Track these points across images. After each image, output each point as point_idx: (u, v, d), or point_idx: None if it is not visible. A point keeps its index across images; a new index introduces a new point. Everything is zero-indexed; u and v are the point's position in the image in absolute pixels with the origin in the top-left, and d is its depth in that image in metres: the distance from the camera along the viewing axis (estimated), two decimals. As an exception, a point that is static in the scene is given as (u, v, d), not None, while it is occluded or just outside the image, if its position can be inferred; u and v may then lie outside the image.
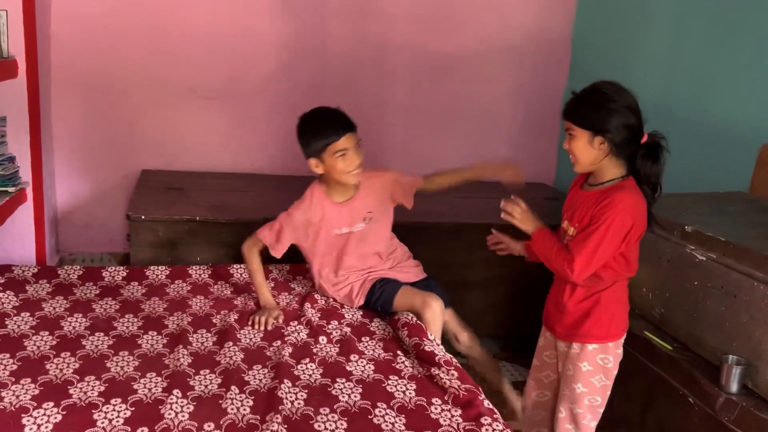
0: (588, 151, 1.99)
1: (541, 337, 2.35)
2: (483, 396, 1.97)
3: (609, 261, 2.03)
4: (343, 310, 2.54)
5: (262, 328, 2.36)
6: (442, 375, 2.04)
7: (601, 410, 2.18)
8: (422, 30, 4.00)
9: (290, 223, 2.52)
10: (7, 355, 2.02)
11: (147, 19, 3.62)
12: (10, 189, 2.82)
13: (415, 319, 2.40)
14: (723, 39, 3.03)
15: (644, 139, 2.01)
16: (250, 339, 2.28)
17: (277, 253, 2.54)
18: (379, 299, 2.51)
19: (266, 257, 2.59)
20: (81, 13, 3.52)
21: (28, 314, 2.29)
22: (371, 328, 2.41)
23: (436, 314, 2.42)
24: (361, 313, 2.53)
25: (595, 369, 2.12)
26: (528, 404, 2.40)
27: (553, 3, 4.14)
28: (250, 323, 2.38)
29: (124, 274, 2.68)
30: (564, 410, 2.19)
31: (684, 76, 3.27)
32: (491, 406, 1.94)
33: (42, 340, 2.14)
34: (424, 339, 2.24)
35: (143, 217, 2.97)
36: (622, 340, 2.15)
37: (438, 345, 2.23)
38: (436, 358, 2.12)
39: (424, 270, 2.80)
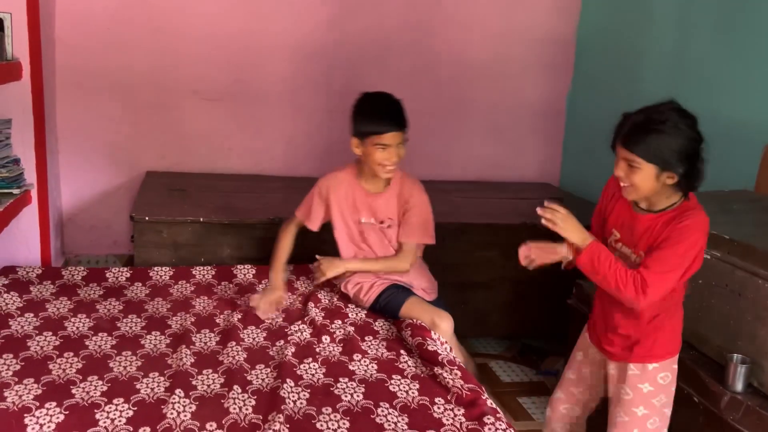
0: (652, 184, 1.83)
1: (580, 351, 2.18)
2: (486, 395, 1.96)
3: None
4: (347, 309, 2.53)
5: (254, 303, 2.38)
6: (445, 374, 2.03)
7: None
8: (427, 32, 4.00)
9: (318, 191, 2.57)
10: (11, 356, 2.02)
11: (151, 21, 3.64)
12: (15, 191, 2.83)
13: (419, 320, 2.39)
14: (728, 39, 3.02)
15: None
16: (253, 339, 2.28)
17: (313, 225, 2.57)
18: (386, 306, 2.49)
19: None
20: (85, 15, 3.54)
21: (31, 315, 2.29)
22: (375, 328, 2.41)
23: (446, 334, 2.38)
24: (365, 313, 2.53)
25: (656, 389, 1.97)
26: (553, 416, 2.25)
27: (558, 5, 4.13)
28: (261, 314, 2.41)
29: (128, 274, 2.69)
30: None
31: (689, 76, 3.25)
32: (494, 405, 1.93)
33: (45, 340, 2.14)
34: (428, 339, 2.23)
35: (147, 218, 2.97)
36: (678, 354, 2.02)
37: (441, 344, 2.22)
38: (440, 357, 2.12)
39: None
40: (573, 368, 2.21)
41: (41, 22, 3.02)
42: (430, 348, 2.18)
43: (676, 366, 2.01)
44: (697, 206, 1.90)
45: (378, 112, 2.43)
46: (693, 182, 1.85)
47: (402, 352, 2.23)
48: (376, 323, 2.44)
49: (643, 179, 1.83)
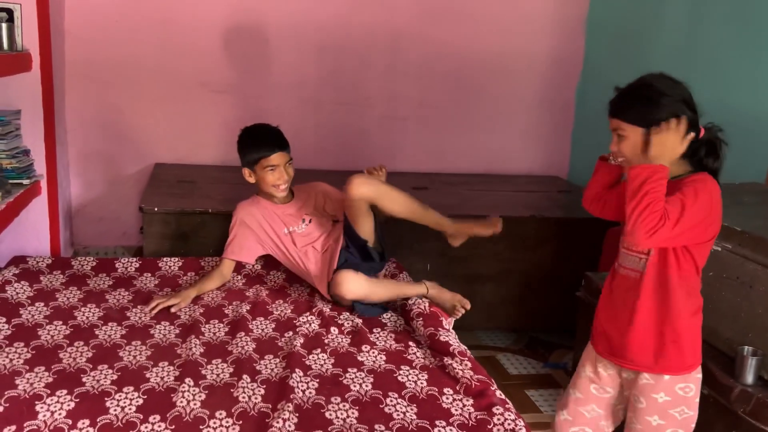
0: (641, 150, 1.73)
1: (587, 365, 1.96)
2: (495, 386, 1.96)
3: (685, 268, 1.76)
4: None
5: (147, 309, 2.33)
6: (455, 365, 2.03)
7: None
8: (436, 23, 3.99)
9: (238, 222, 2.65)
10: (22, 344, 2.03)
11: (160, 13, 3.64)
12: (25, 181, 2.84)
13: (428, 307, 2.39)
14: (740, 30, 3.00)
15: (701, 134, 1.78)
16: (262, 330, 2.28)
17: (249, 257, 2.66)
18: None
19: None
20: (94, 6, 3.54)
21: (42, 304, 2.30)
22: (383, 320, 2.41)
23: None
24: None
25: (673, 399, 1.79)
26: None
27: (567, -5, 4.11)
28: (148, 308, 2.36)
29: (137, 265, 2.70)
30: None
31: (700, 67, 3.23)
32: (503, 396, 1.93)
33: (56, 329, 2.15)
34: (440, 329, 2.23)
35: (156, 209, 2.98)
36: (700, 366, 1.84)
37: (454, 336, 2.22)
38: (451, 348, 2.12)
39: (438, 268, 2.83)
40: (579, 386, 1.97)
41: (51, 13, 3.03)
42: (442, 338, 2.18)
43: (699, 376, 1.82)
44: (709, 179, 1.74)
45: (262, 138, 2.61)
46: (700, 152, 1.75)
47: (410, 343, 2.23)
48: (384, 316, 2.44)
49: (631, 146, 1.75)
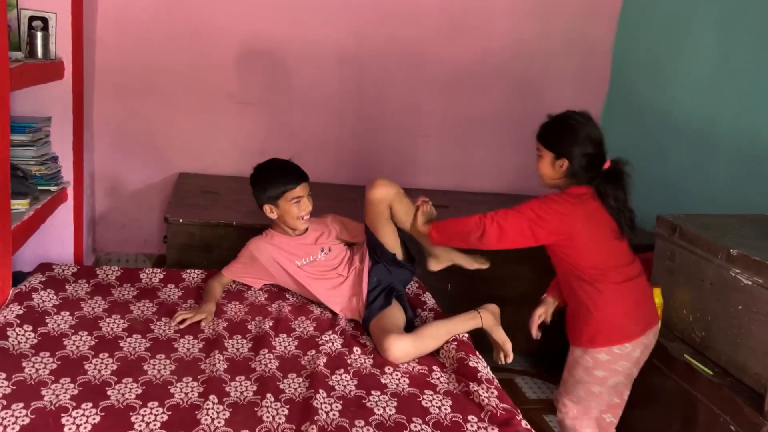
0: (550, 170, 2.25)
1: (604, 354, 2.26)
2: (521, 416, 1.94)
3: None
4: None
5: (174, 323, 2.33)
6: (481, 392, 2.01)
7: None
8: (459, 41, 3.99)
9: (248, 254, 2.63)
10: (47, 354, 2.04)
11: (189, 25, 3.67)
12: (52, 188, 2.87)
13: (466, 336, 2.38)
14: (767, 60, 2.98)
15: (607, 165, 2.24)
16: (285, 347, 2.28)
17: (255, 282, 2.67)
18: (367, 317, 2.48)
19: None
20: (126, 17, 3.58)
21: (67, 313, 2.31)
22: (406, 341, 2.39)
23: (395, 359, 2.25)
24: None
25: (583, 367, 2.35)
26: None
27: (595, 15, 4.10)
28: (172, 321, 2.35)
29: (161, 276, 2.71)
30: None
31: (729, 95, 3.21)
32: (529, 427, 1.91)
33: (81, 339, 2.16)
34: (471, 355, 2.21)
35: (181, 220, 2.99)
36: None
37: (484, 363, 2.20)
38: (479, 374, 2.10)
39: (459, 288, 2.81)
40: (599, 381, 2.31)
41: (84, 21, 3.06)
42: (470, 364, 2.16)
43: (604, 357, 2.23)
44: (572, 193, 2.22)
45: (283, 171, 2.58)
46: (586, 173, 2.21)
47: (434, 367, 2.21)
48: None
49: (544, 165, 2.26)
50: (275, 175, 2.57)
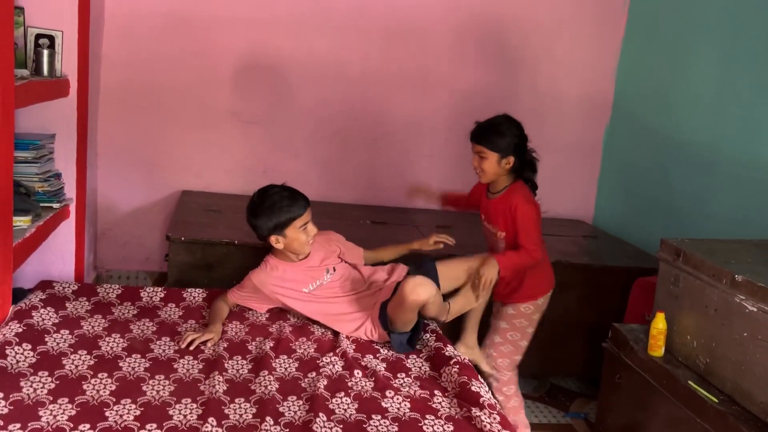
0: (496, 168, 2.65)
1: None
2: (522, 441, 1.92)
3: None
4: (378, 345, 2.51)
5: (184, 345, 2.31)
6: (483, 417, 1.99)
7: None
8: (465, 63, 4.01)
9: (252, 286, 2.58)
10: (46, 373, 2.02)
11: (194, 43, 3.69)
12: (55, 205, 2.86)
13: (467, 359, 2.37)
14: (775, 84, 2.99)
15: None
16: (285, 369, 2.26)
17: (256, 308, 2.65)
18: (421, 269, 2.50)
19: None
20: (132, 35, 3.60)
21: (67, 332, 2.30)
22: (407, 365, 2.38)
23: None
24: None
25: (518, 316, 2.82)
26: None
27: (599, 40, 4.13)
28: (180, 342, 2.34)
29: (162, 295, 2.69)
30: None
31: (732, 119, 3.21)
32: (531, 452, 1.88)
33: (80, 359, 2.14)
34: (473, 380, 2.19)
35: (183, 238, 2.99)
36: None
37: (486, 389, 2.18)
38: (481, 399, 2.08)
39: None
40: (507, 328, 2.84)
41: (90, 39, 3.08)
42: (473, 389, 2.14)
43: (541, 301, 2.81)
44: (521, 186, 2.70)
45: (288, 199, 2.49)
46: (524, 168, 2.70)
47: (436, 391, 2.19)
48: (408, 360, 2.41)
49: (490, 165, 2.64)
50: (280, 205, 2.46)
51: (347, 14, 3.82)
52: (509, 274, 2.67)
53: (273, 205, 2.47)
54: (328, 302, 2.56)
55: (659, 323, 2.48)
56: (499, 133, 2.63)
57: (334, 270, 2.61)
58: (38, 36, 2.79)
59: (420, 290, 2.29)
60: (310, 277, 2.56)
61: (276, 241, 2.50)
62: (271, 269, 2.56)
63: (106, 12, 3.56)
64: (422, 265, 2.60)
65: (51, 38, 2.81)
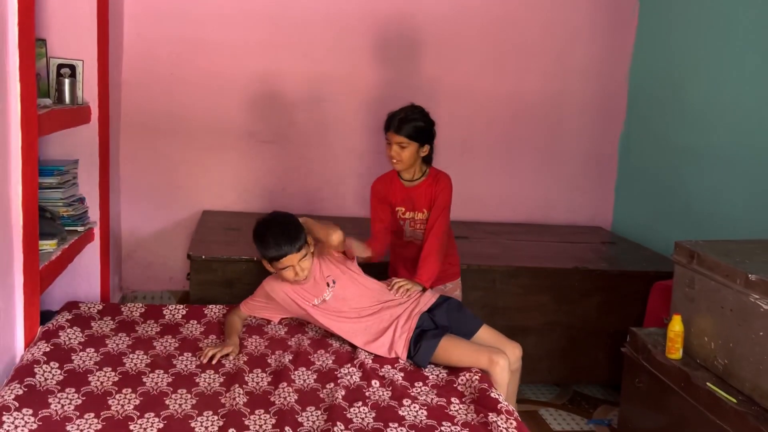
0: (415, 156, 2.77)
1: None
2: (538, 446, 1.93)
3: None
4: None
5: (205, 360, 2.36)
6: (500, 423, 2.01)
7: None
8: (479, 73, 4.05)
9: (264, 294, 2.64)
10: (73, 390, 2.09)
11: (210, 67, 3.79)
12: (79, 228, 2.95)
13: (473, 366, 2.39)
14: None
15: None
16: (304, 381, 2.30)
17: (268, 318, 2.71)
18: (417, 355, 2.45)
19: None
20: (150, 61, 3.71)
21: (92, 350, 2.37)
22: (425, 373, 2.40)
23: (505, 372, 2.36)
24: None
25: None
26: None
27: (611, 46, 4.15)
28: (201, 358, 2.39)
29: (184, 312, 2.76)
30: None
31: (745, 121, 3.21)
32: (547, 456, 1.90)
33: (105, 375, 2.21)
34: (492, 388, 2.22)
35: (203, 256, 3.06)
36: None
37: (504, 397, 2.20)
38: (498, 405, 2.10)
39: (479, 316, 2.78)
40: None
41: (110, 67, 3.18)
42: (492, 395, 2.16)
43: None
44: (439, 171, 2.89)
45: (274, 240, 2.48)
46: (431, 155, 2.86)
47: (453, 399, 2.22)
48: (426, 370, 2.43)
49: (410, 154, 2.75)
50: (265, 241, 2.50)
51: (360, 34, 3.90)
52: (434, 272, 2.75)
53: (261, 240, 2.52)
54: (337, 319, 2.56)
55: (676, 326, 2.48)
56: (418, 122, 2.74)
57: (334, 283, 2.59)
58: (60, 66, 2.90)
59: (502, 376, 2.36)
60: (315, 293, 2.58)
61: (268, 266, 2.57)
62: (278, 288, 2.60)
63: (125, 40, 3.68)
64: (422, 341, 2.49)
65: (72, 67, 2.92)
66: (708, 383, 2.31)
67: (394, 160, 2.78)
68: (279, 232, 2.49)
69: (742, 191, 3.20)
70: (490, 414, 2.07)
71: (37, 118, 2.30)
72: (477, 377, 2.29)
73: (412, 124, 2.73)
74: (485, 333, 2.60)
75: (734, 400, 2.20)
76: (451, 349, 2.43)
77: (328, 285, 2.60)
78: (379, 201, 2.91)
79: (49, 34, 2.88)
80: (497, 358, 2.37)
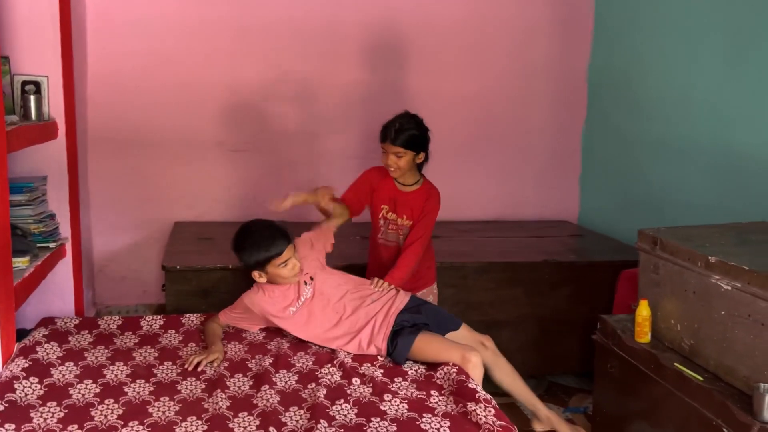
0: (412, 164, 2.87)
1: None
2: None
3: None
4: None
5: (191, 367, 2.38)
6: (478, 411, 2.07)
7: None
8: (442, 75, 4.12)
9: (245, 308, 2.66)
10: (54, 403, 2.09)
11: (176, 78, 3.80)
12: (51, 244, 2.94)
13: (447, 361, 2.45)
14: (738, 73, 3.10)
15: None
16: (285, 382, 2.33)
17: (249, 328, 2.72)
18: (394, 352, 2.51)
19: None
20: (116, 75, 3.71)
21: (72, 363, 2.37)
22: (404, 369, 2.45)
23: (478, 369, 2.44)
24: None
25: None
26: None
27: (569, 43, 4.26)
28: (186, 365, 2.41)
29: (161, 322, 2.77)
30: None
31: (701, 110, 3.33)
32: (525, 440, 1.96)
33: (86, 388, 2.21)
34: (470, 379, 2.29)
35: (178, 267, 3.07)
36: None
37: (481, 387, 2.27)
38: (477, 395, 2.16)
39: (454, 312, 2.87)
40: None
41: (75, 82, 3.18)
42: (470, 386, 2.23)
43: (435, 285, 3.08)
44: (432, 185, 2.98)
45: (267, 238, 2.54)
46: (425, 162, 2.94)
47: (432, 392, 2.27)
48: (405, 365, 2.48)
49: (407, 162, 2.84)
50: (259, 243, 2.54)
51: (326, 39, 3.95)
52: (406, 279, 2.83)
53: (253, 244, 2.55)
54: (314, 324, 2.60)
55: (643, 310, 2.56)
56: (413, 131, 2.83)
57: (311, 279, 2.65)
58: (24, 82, 2.89)
59: (475, 372, 2.42)
60: (295, 295, 2.62)
61: (259, 276, 2.60)
62: (261, 290, 2.64)
63: (89, 54, 3.68)
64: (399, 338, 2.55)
65: (37, 84, 2.91)
66: (676, 364, 2.39)
67: (391, 169, 2.85)
68: (270, 231, 2.56)
69: (699, 179, 3.32)
70: (469, 404, 2.13)
71: (6, 135, 2.30)
72: (455, 370, 2.35)
73: (408, 133, 2.81)
74: (460, 332, 2.69)
75: (701, 378, 2.29)
76: (425, 346, 2.49)
77: (305, 283, 2.63)
78: (364, 184, 2.97)
79: (12, 51, 2.87)
80: (469, 356, 2.43)
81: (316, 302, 2.62)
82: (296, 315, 2.61)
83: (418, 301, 2.74)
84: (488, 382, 2.64)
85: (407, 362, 2.50)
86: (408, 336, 2.50)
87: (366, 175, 3.00)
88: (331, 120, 4.03)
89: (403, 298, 2.68)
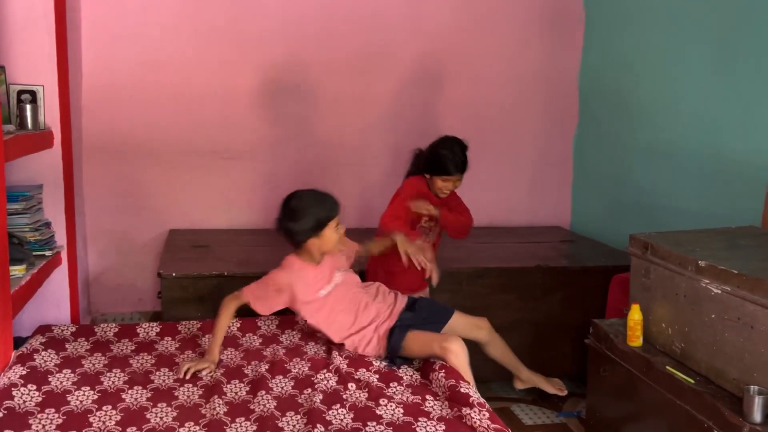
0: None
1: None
2: (511, 434, 2.02)
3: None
4: (371, 358, 2.60)
5: (181, 375, 2.39)
6: (473, 415, 2.09)
7: None
8: (435, 82, 4.16)
9: (276, 286, 2.60)
10: (53, 410, 2.11)
11: (171, 87, 3.82)
12: (47, 253, 2.95)
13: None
14: (726, 81, 3.15)
15: None
16: (282, 388, 2.35)
17: (265, 311, 2.64)
18: (388, 347, 2.58)
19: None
20: (111, 84, 3.73)
21: (69, 371, 2.38)
22: (399, 374, 2.48)
23: (459, 356, 2.48)
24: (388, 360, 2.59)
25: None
26: None
27: (560, 51, 4.30)
28: (181, 374, 2.41)
29: (158, 329, 2.78)
30: None
31: (690, 117, 3.38)
32: (519, 443, 1.99)
33: (84, 394, 2.23)
34: (461, 382, 2.31)
35: (174, 274, 3.08)
36: None
37: (475, 390, 2.29)
38: (470, 399, 2.19)
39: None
40: None
41: (70, 91, 3.20)
42: (462, 390, 2.25)
43: None
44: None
45: (327, 199, 2.59)
46: None
47: (427, 396, 2.29)
48: (400, 371, 2.51)
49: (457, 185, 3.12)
50: (322, 202, 2.56)
51: (319, 48, 3.98)
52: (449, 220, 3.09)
53: (316, 203, 2.56)
54: (337, 310, 2.64)
55: (635, 314, 2.60)
56: (466, 153, 3.10)
57: (344, 271, 2.74)
58: (20, 92, 2.91)
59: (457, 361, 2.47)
60: (326, 279, 2.64)
61: (314, 243, 2.56)
62: (297, 270, 2.60)
63: (84, 64, 3.70)
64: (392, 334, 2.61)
65: (33, 93, 2.93)
66: (667, 367, 2.43)
67: (447, 192, 3.10)
68: (324, 193, 2.61)
69: (690, 185, 3.37)
70: (464, 408, 2.16)
71: (2, 144, 2.32)
72: (443, 374, 2.38)
73: (465, 158, 3.09)
74: (456, 319, 2.76)
75: (692, 381, 2.32)
76: (411, 343, 2.57)
77: (338, 270, 2.70)
78: (415, 196, 3.04)
79: (7, 61, 2.89)
80: (447, 345, 2.48)
81: (342, 290, 2.66)
82: (325, 298, 2.61)
83: (413, 299, 2.81)
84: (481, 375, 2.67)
85: (403, 366, 2.52)
86: (399, 333, 2.58)
87: (413, 189, 3.08)
88: (325, 128, 4.06)
89: (403, 299, 2.77)
